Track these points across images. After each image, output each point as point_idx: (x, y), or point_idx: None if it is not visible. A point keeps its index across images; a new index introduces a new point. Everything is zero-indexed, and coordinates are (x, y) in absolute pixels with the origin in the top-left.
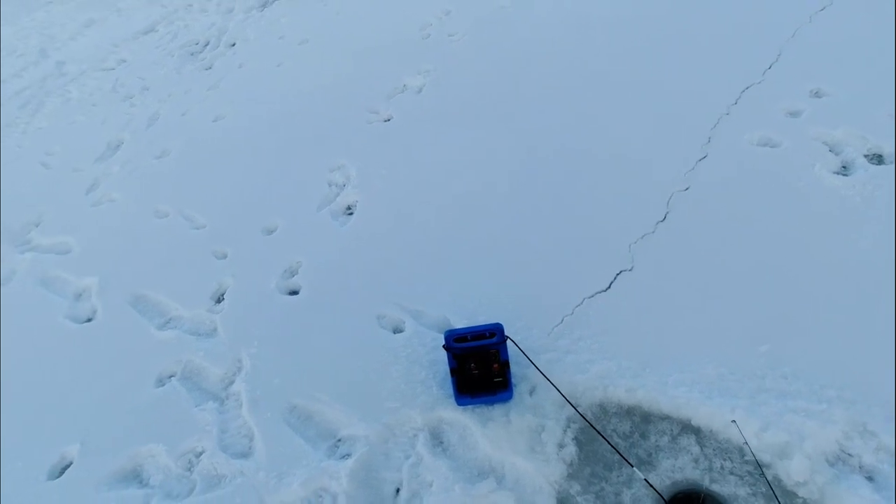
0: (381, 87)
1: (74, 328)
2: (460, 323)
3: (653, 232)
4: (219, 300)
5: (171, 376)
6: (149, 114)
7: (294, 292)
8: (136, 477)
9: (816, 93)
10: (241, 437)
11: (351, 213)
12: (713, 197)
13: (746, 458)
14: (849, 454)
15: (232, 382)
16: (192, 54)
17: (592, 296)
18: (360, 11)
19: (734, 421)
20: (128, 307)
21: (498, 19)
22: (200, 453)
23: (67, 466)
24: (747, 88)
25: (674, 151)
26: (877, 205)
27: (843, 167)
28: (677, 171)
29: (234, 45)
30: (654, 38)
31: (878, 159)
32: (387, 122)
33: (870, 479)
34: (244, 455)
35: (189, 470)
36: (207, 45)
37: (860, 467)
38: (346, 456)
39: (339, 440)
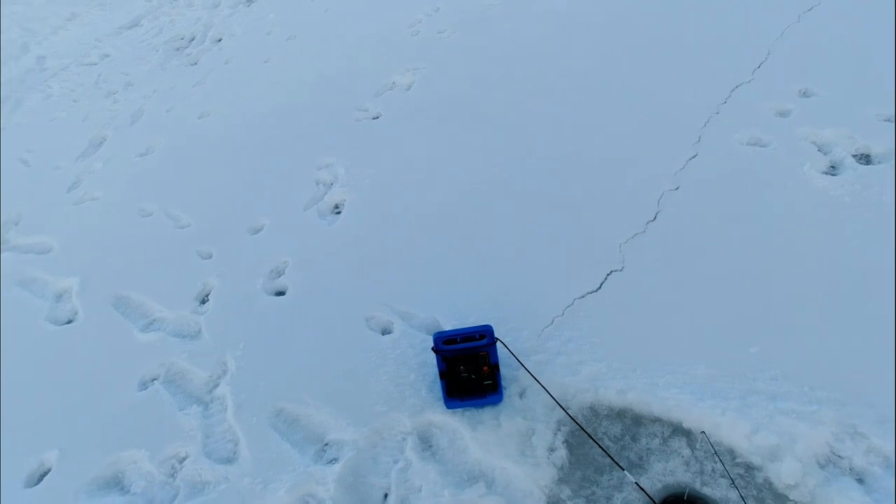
0: (370, 84)
1: (54, 330)
2: (449, 324)
3: (643, 232)
4: (203, 301)
5: (153, 379)
6: (133, 110)
7: (281, 293)
8: (117, 484)
9: (805, 92)
10: (226, 441)
11: (339, 213)
12: (703, 196)
13: (737, 460)
14: (839, 456)
15: (217, 385)
16: (177, 49)
17: (583, 296)
18: (348, 8)
19: (703, 432)
20: (110, 308)
21: (487, 17)
22: (184, 459)
23: (46, 473)
24: (737, 87)
25: (664, 151)
26: (865, 204)
27: (832, 167)
28: (667, 171)
29: (220, 40)
30: (644, 38)
31: (865, 159)
32: (375, 120)
33: (860, 481)
34: (229, 460)
35: (172, 476)
36: (193, 40)
37: (850, 469)
38: (334, 461)
39: (327, 444)
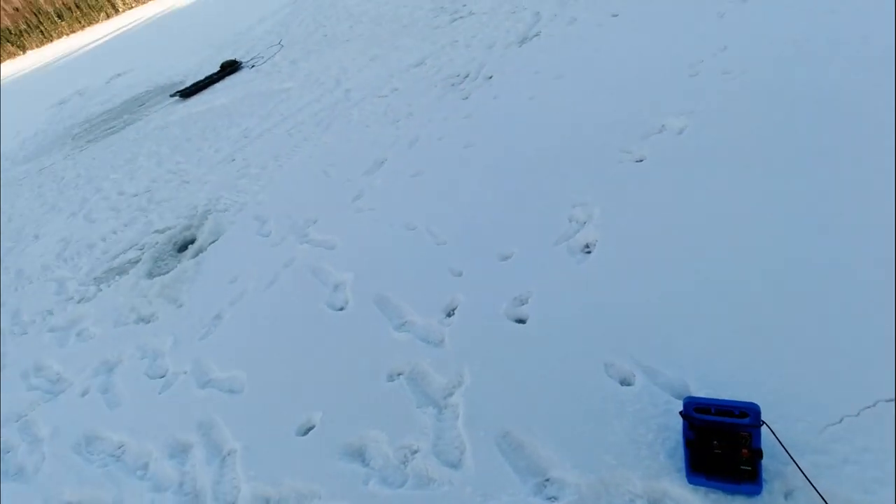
0: (637, 125)
1: (330, 314)
2: (702, 392)
3: None
4: (449, 314)
5: (399, 374)
6: (411, 136)
7: (521, 321)
8: (360, 455)
9: None
10: (454, 448)
11: (589, 252)
12: None
13: None
14: None
15: (452, 394)
16: (452, 85)
17: (890, 400)
18: (621, 48)
19: None
20: (372, 304)
21: (789, 57)
22: (415, 451)
23: (311, 428)
24: None
25: None
26: None
27: None
28: None
29: (490, 77)
30: None
31: None
32: (639, 163)
33: None
34: (454, 465)
35: (404, 464)
36: (467, 76)
37: None
38: (553, 499)
39: (548, 480)
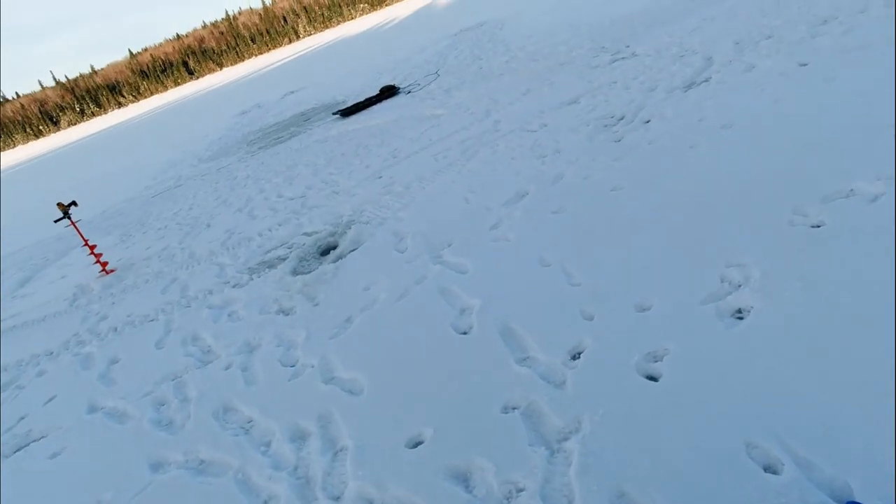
0: (819, 187)
1: (454, 336)
2: (870, 500)
3: None
4: (575, 357)
5: (515, 408)
6: (555, 173)
7: (653, 378)
8: (465, 480)
9: None
10: (562, 496)
11: (741, 318)
12: None
13: None
14: None
15: (567, 439)
16: (605, 126)
17: None
18: (805, 99)
19: None
20: (496, 334)
21: None
22: (521, 490)
23: (420, 443)
24: None
25: None
26: None
27: None
28: None
29: (648, 121)
30: None
31: None
32: (815, 229)
33: None
34: None
35: (507, 499)
36: (622, 119)
37: None
38: None
39: None
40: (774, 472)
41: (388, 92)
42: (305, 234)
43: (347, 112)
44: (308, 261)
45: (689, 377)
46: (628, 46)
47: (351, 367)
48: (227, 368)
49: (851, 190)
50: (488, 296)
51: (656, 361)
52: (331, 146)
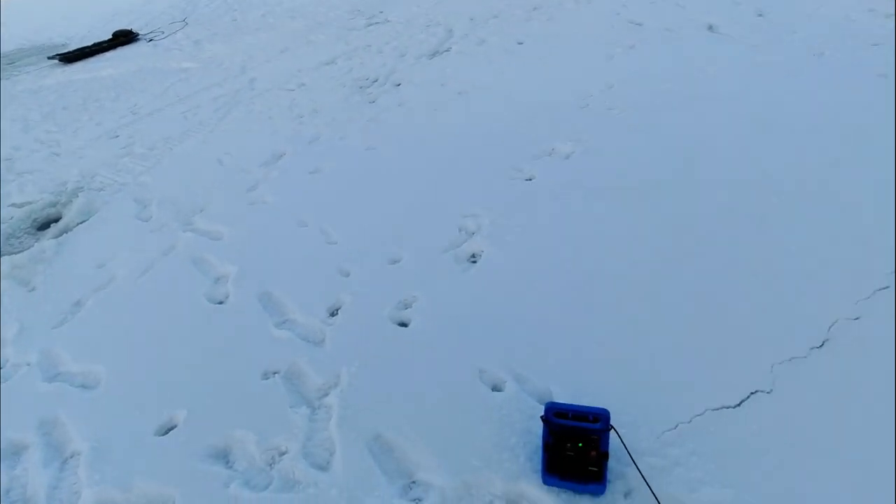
0: (529, 146)
1: (208, 307)
2: (563, 398)
3: (805, 357)
4: (333, 314)
5: (275, 373)
6: (312, 133)
7: (404, 324)
8: (224, 457)
9: None
10: (323, 449)
11: (474, 262)
12: (886, 332)
13: None
14: None
15: (327, 394)
16: (360, 87)
17: (717, 409)
18: (522, 74)
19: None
20: (254, 300)
21: (665, 102)
22: (284, 453)
23: (172, 428)
24: None
25: (849, 273)
26: None
27: None
28: (849, 297)
29: (399, 85)
30: (850, 145)
31: None
32: (528, 182)
33: None
34: (322, 468)
35: (270, 466)
36: (376, 81)
37: None
38: (417, 500)
39: (414, 482)
40: (499, 390)
41: (124, 38)
42: (14, 205)
43: (70, 58)
44: (19, 238)
45: (434, 320)
46: (382, 12)
47: (82, 358)
48: None
49: (552, 149)
50: (245, 261)
51: (406, 308)
52: (48, 97)
